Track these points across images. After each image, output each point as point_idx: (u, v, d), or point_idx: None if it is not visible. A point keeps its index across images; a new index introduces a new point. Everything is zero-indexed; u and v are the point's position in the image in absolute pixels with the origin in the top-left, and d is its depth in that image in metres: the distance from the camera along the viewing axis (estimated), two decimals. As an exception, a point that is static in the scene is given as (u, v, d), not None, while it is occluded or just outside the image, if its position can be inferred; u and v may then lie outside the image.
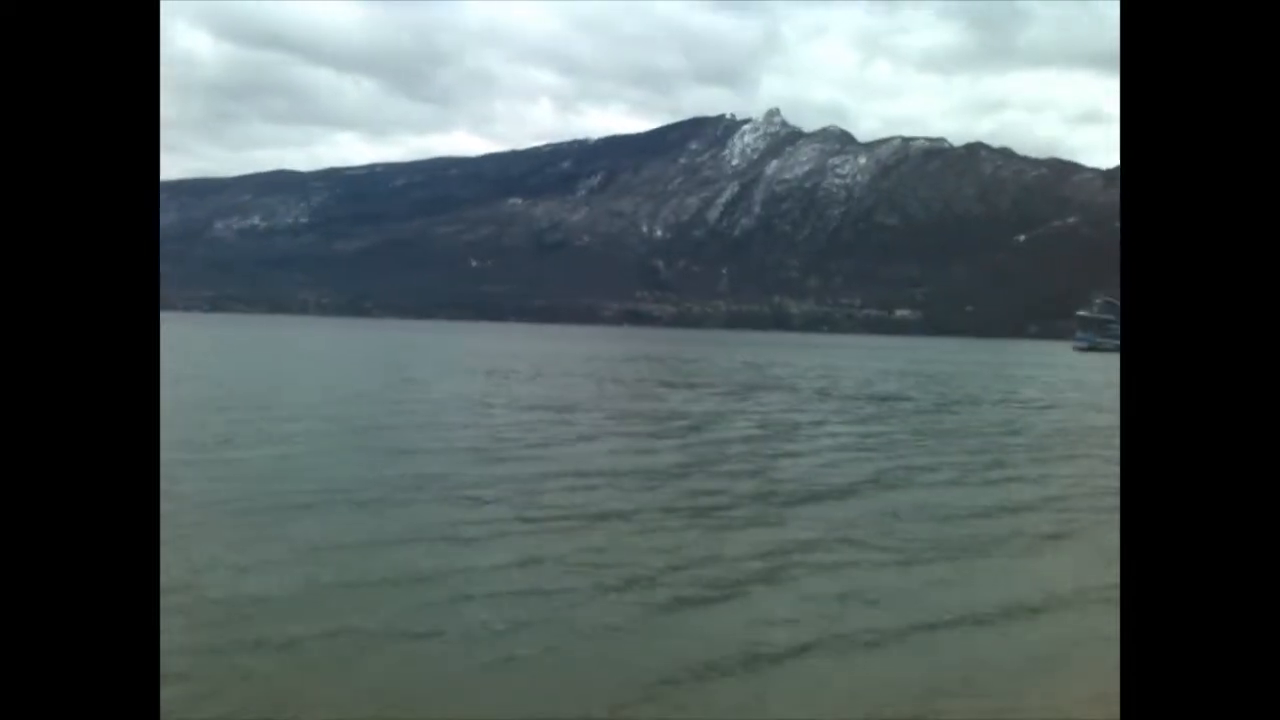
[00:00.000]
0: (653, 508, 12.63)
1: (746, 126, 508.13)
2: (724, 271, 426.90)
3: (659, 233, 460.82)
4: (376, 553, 9.96)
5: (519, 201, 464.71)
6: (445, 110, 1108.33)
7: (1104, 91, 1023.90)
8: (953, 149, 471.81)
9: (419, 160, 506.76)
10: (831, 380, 43.81)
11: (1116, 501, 10.47)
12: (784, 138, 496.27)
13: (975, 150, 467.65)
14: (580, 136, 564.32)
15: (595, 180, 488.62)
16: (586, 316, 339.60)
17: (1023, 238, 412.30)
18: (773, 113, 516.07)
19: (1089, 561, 10.38)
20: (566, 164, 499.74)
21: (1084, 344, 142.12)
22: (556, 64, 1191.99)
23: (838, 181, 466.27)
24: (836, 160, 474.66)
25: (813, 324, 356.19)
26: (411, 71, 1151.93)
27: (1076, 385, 45.69)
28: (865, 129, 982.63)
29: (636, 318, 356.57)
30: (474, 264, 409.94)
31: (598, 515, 12.12)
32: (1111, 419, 25.45)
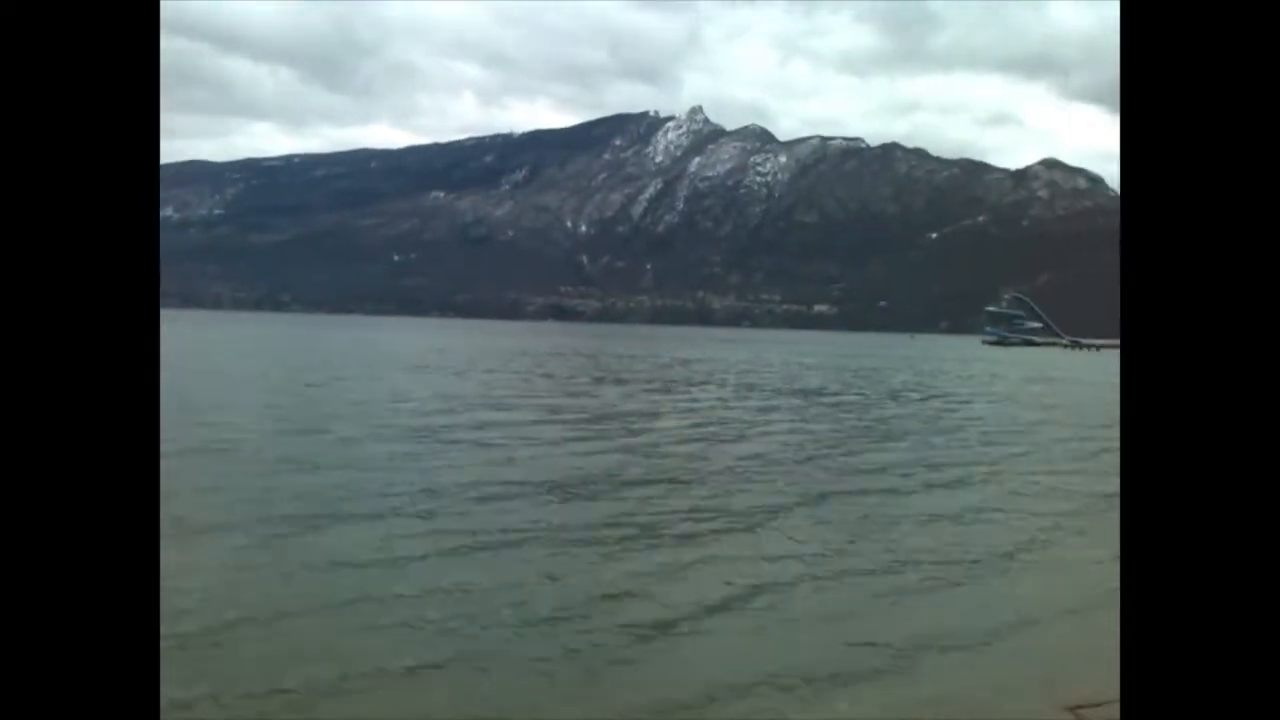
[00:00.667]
0: (592, 523, 10.53)
1: (670, 124, 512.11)
2: (648, 267, 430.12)
3: (584, 228, 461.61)
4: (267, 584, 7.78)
5: (442, 195, 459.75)
6: (366, 102, 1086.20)
7: (1012, 95, 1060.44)
8: (869, 149, 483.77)
9: (339, 152, 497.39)
10: (758, 374, 44.29)
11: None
12: (706, 135, 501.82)
13: (891, 150, 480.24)
14: (504, 130, 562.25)
15: (520, 174, 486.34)
16: (511, 312, 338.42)
17: (935, 235, 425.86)
18: (695, 110, 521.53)
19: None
20: (490, 158, 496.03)
21: (993, 338, 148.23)
22: (480, 57, 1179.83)
23: (759, 179, 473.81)
24: (757, 158, 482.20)
25: (734, 319, 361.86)
26: (331, 62, 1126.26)
27: (996, 378, 48.13)
28: (785, 128, 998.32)
29: (561, 313, 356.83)
30: (396, 258, 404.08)
31: (525, 533, 9.99)
32: (1037, 414, 27.07)
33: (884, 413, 26.61)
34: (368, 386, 30.26)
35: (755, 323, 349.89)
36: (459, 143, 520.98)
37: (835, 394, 33.10)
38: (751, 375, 42.06)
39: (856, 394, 33.24)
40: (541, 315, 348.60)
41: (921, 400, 31.71)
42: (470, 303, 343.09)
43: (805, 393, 32.98)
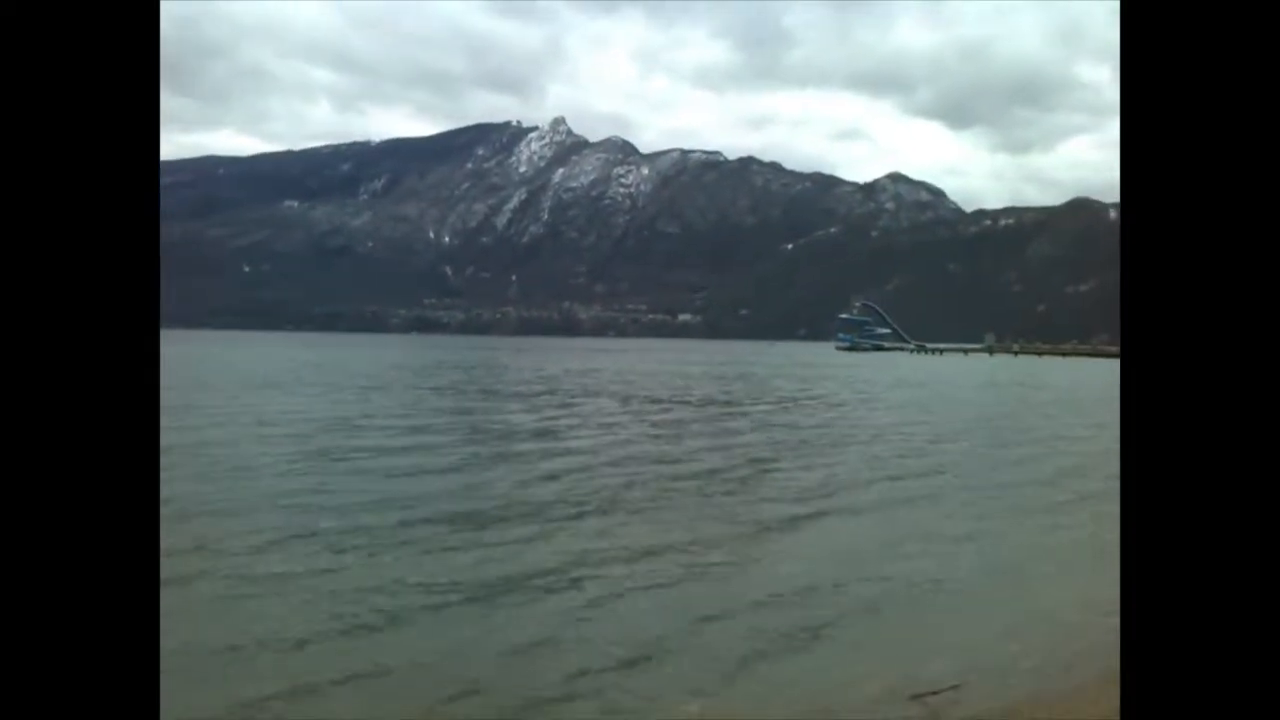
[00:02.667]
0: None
1: (533, 134, 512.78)
2: (513, 278, 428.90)
3: (446, 239, 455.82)
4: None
5: (296, 204, 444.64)
6: (213, 106, 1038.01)
7: (860, 111, 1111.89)
8: (727, 162, 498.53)
9: (185, 159, 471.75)
10: (647, 383, 42.64)
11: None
12: (570, 146, 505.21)
13: (747, 164, 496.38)
14: (362, 138, 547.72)
15: (379, 184, 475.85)
16: (372, 324, 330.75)
17: (791, 246, 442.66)
18: (558, 121, 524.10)
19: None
20: (347, 166, 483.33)
21: (845, 344, 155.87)
22: (336, 62, 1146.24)
23: (622, 190, 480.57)
24: (620, 170, 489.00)
25: (601, 329, 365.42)
26: (175, 64, 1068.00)
27: (859, 381, 51.14)
28: (646, 140, 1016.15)
29: (426, 325, 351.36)
30: (247, 269, 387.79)
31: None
32: (892, 416, 28.53)
33: (793, 418, 26.70)
34: (234, 406, 25.59)
35: (621, 332, 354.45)
36: (314, 150, 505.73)
37: (743, 403, 32.52)
38: (640, 385, 41.37)
39: (769, 402, 33.24)
40: (405, 328, 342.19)
41: (832, 407, 31.53)
42: (329, 316, 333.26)
43: (710, 402, 32.50)
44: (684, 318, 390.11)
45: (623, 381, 43.44)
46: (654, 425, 23.23)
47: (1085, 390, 43.13)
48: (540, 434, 20.50)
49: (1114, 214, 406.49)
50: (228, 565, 8.07)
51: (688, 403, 31.72)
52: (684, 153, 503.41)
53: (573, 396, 32.88)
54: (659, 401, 31.47)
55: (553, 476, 13.97)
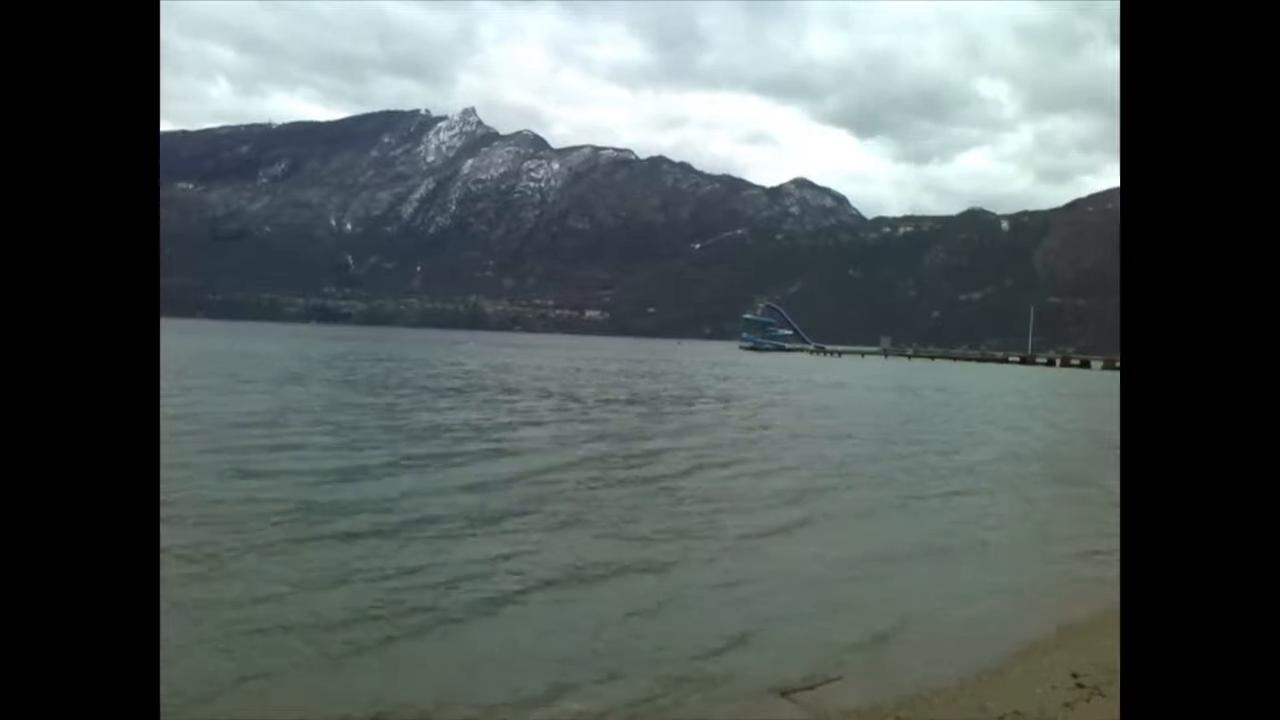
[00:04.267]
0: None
1: (443, 124, 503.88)
2: (418, 269, 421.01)
3: (349, 227, 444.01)
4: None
5: (190, 186, 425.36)
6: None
7: (769, 116, 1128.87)
8: (638, 160, 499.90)
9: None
10: (566, 380, 39.72)
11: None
12: (480, 138, 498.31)
13: (658, 163, 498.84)
14: (262, 120, 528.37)
15: (279, 168, 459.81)
16: (269, 313, 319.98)
17: (699, 246, 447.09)
18: (469, 112, 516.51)
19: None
20: (246, 149, 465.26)
21: (748, 343, 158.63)
22: (236, 40, 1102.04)
23: (532, 185, 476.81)
24: (531, 164, 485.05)
25: (507, 323, 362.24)
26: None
27: (764, 379, 52.20)
28: (558, 135, 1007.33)
29: (325, 314, 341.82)
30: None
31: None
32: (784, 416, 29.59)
33: (728, 414, 27.15)
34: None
35: (528, 327, 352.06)
36: (210, 131, 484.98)
37: (688, 400, 32.52)
38: (557, 381, 40.08)
39: (710, 400, 33.17)
40: (304, 317, 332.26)
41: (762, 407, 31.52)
42: (223, 303, 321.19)
43: (641, 399, 32.05)
44: (591, 314, 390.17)
45: (547, 378, 42.96)
46: (597, 422, 23.03)
47: (994, 391, 45.40)
48: (481, 432, 19.48)
49: (1005, 226, 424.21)
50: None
51: (623, 400, 31.37)
52: (596, 149, 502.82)
53: (503, 392, 32.01)
54: (601, 400, 30.66)
55: (506, 481, 12.97)
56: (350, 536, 9.20)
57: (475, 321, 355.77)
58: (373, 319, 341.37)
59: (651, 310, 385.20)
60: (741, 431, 22.06)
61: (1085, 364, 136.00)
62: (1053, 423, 29.35)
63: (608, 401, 30.06)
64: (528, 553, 8.66)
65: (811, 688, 5.44)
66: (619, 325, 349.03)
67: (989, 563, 9.29)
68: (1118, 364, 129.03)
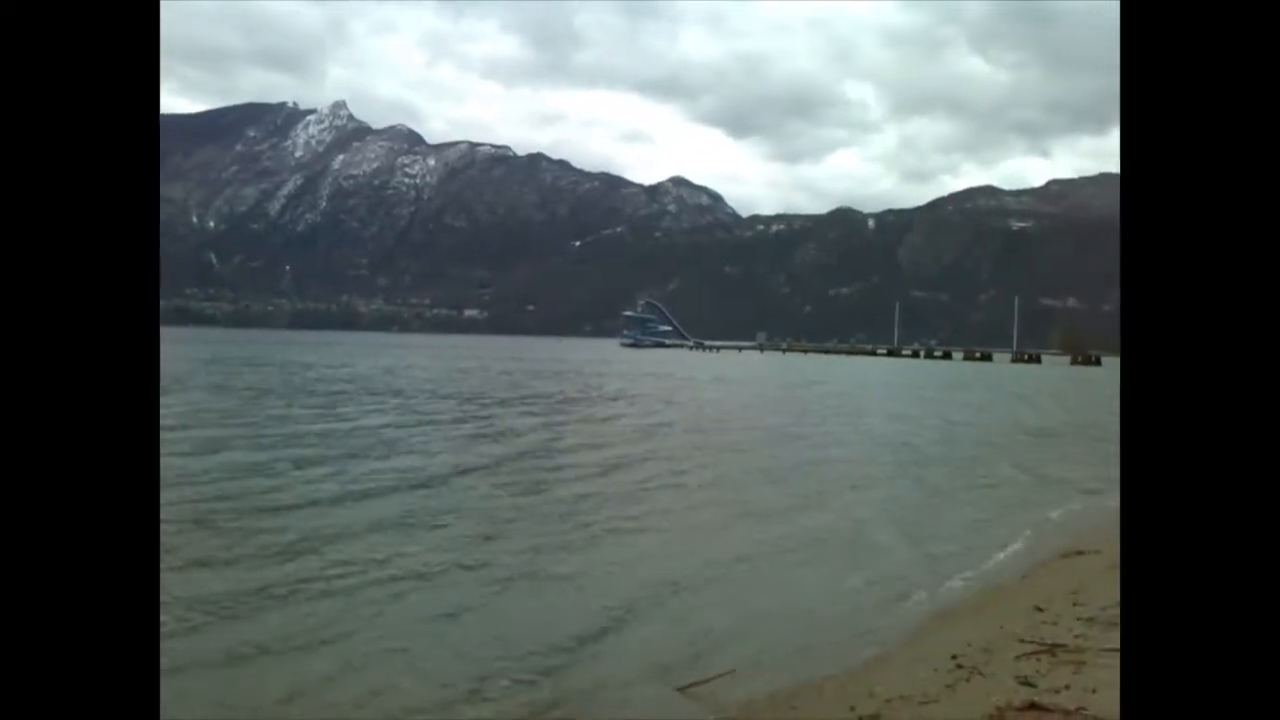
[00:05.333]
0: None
1: (311, 117, 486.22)
2: (287, 268, 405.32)
3: (212, 224, 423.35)
4: None
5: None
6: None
7: (647, 114, 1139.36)
8: (516, 157, 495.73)
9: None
10: (463, 382, 40.08)
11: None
12: (351, 132, 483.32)
13: (537, 160, 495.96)
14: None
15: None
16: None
17: (578, 244, 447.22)
18: (339, 105, 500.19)
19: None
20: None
21: (629, 340, 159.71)
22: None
23: (407, 181, 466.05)
24: (406, 160, 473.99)
25: (383, 323, 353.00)
26: None
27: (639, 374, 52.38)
28: (433, 130, 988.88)
29: (187, 317, 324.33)
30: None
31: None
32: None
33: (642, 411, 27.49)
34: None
35: (405, 327, 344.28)
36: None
37: (589, 399, 32.23)
38: (453, 384, 39.26)
39: (608, 398, 33.17)
40: (165, 320, 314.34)
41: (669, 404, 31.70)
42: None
43: (545, 399, 31.84)
44: (470, 313, 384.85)
45: (440, 379, 41.96)
46: (501, 423, 22.59)
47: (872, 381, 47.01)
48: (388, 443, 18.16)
49: (872, 224, 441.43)
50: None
51: (535, 399, 30.95)
52: (472, 145, 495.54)
53: (402, 397, 30.55)
54: (502, 401, 30.05)
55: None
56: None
57: (349, 322, 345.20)
58: (239, 321, 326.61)
59: (531, 309, 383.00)
60: (644, 430, 22.17)
61: (947, 355, 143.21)
62: (936, 413, 30.66)
63: (505, 401, 29.67)
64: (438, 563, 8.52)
65: (706, 681, 5.53)
66: (499, 324, 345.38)
67: (869, 551, 9.63)
68: (978, 355, 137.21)
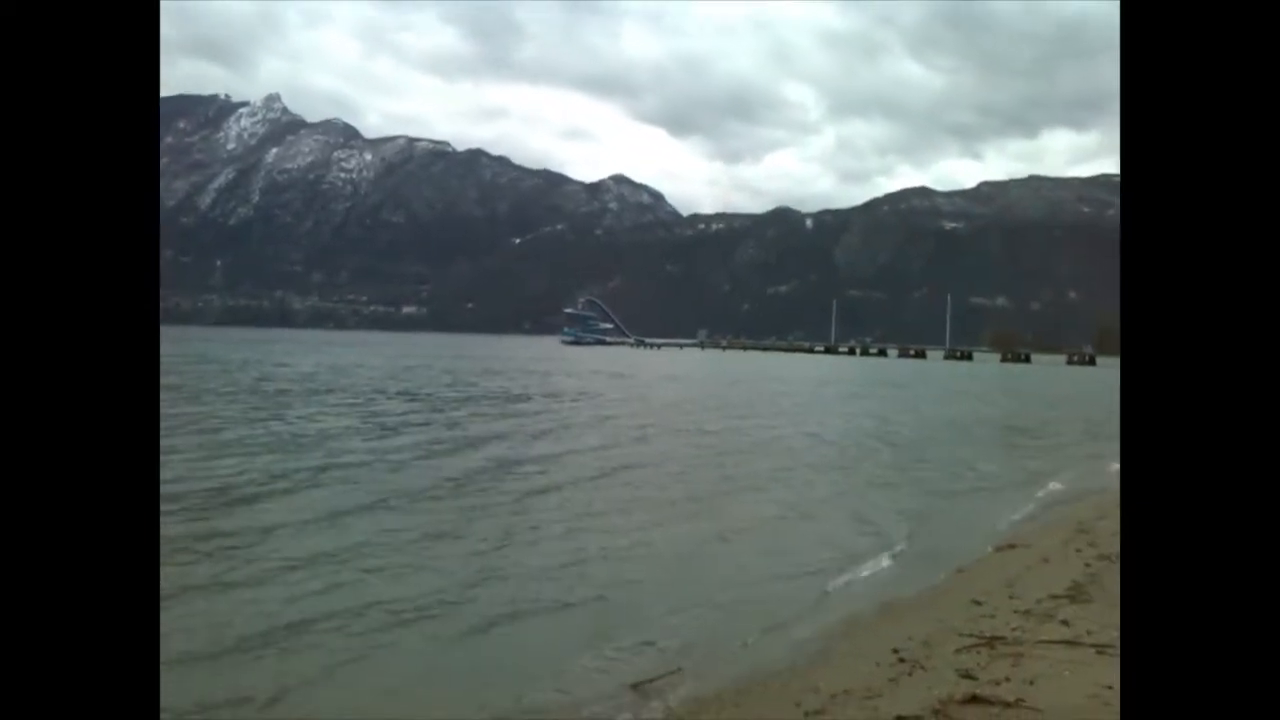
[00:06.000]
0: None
1: (244, 110, 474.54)
2: (218, 264, 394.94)
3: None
4: None
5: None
6: None
7: (589, 112, 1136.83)
8: (456, 152, 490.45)
9: None
10: (418, 380, 39.20)
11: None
12: (285, 125, 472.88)
13: (476, 156, 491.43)
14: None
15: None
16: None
17: (519, 241, 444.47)
18: (273, 98, 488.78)
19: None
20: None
21: (570, 338, 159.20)
22: None
23: (343, 176, 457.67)
24: (342, 154, 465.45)
25: (318, 320, 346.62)
26: None
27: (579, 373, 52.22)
28: (370, 124, 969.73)
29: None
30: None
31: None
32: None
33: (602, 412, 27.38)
34: None
35: (341, 324, 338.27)
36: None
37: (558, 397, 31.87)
38: (397, 381, 38.19)
39: (570, 398, 32.54)
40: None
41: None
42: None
43: (507, 398, 31.02)
44: (408, 310, 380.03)
45: (389, 378, 40.76)
46: (459, 424, 21.57)
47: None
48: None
49: (810, 224, 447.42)
50: None
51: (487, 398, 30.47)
52: (410, 140, 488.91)
53: (359, 396, 29.41)
54: (456, 400, 28.93)
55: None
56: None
57: (283, 319, 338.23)
58: (168, 318, 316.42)
59: (471, 306, 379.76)
60: (593, 427, 22.08)
61: (883, 352, 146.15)
62: (870, 410, 31.12)
63: (459, 401, 29.20)
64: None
65: (655, 680, 5.52)
66: (438, 321, 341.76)
67: (811, 543, 9.72)
68: (912, 352, 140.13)
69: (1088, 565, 7.46)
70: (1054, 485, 14.01)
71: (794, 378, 54.43)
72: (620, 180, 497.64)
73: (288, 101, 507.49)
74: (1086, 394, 44.69)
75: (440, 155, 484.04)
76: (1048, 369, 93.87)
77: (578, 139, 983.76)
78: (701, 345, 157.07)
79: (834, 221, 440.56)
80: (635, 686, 5.42)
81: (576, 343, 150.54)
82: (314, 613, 6.65)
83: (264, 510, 10.28)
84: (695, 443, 18.95)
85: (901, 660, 5.47)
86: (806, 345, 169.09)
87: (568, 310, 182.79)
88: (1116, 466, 17.11)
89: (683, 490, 12.71)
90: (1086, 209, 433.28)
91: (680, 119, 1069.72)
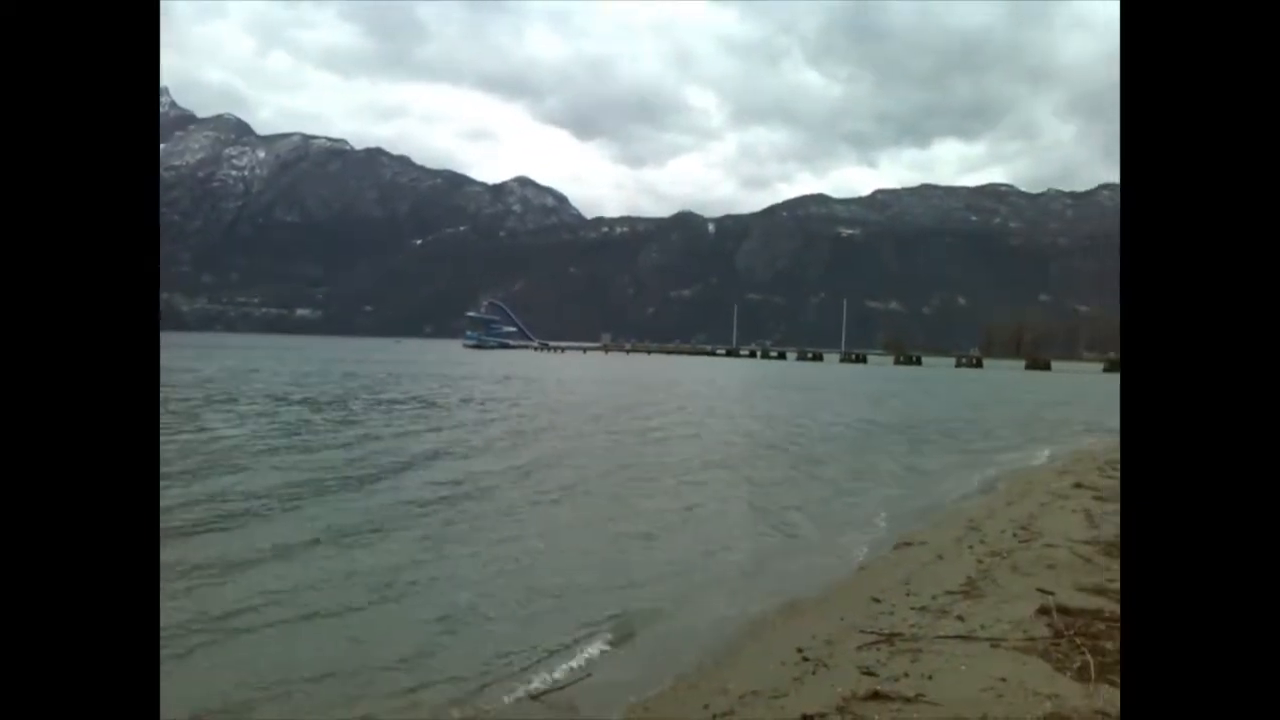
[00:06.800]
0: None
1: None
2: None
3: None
4: None
5: None
6: None
7: (492, 112, 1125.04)
8: (354, 151, 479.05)
9: None
10: (311, 386, 35.65)
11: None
12: (174, 120, 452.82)
13: (376, 155, 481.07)
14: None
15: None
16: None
17: (420, 242, 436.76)
18: (160, 91, 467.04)
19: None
20: None
21: (473, 341, 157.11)
22: None
23: (234, 173, 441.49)
24: (233, 151, 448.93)
25: (207, 323, 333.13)
26: None
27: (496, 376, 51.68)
28: (263, 120, 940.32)
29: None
30: None
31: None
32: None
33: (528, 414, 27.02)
34: None
35: (230, 327, 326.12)
36: None
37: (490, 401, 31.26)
38: (301, 388, 35.69)
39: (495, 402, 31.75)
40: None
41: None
42: None
43: (419, 400, 30.21)
44: (302, 312, 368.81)
45: (292, 385, 38.91)
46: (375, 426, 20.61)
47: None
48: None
49: (712, 228, 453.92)
50: None
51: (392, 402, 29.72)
52: (306, 137, 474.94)
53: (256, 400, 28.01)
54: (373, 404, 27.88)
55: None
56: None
57: (169, 321, 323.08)
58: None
59: (369, 308, 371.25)
60: (483, 428, 21.76)
61: (782, 355, 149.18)
62: (770, 413, 31.62)
63: (372, 405, 28.29)
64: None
65: (562, 688, 5.47)
66: (334, 324, 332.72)
67: (718, 542, 9.81)
68: (810, 355, 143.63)
69: (980, 561, 7.74)
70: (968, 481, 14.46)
71: (697, 379, 55.01)
72: (524, 182, 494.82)
73: (176, 96, 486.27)
74: (981, 397, 46.47)
75: (337, 153, 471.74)
76: (940, 370, 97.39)
77: (481, 139, 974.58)
78: (605, 348, 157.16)
79: (735, 226, 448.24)
80: (538, 697, 5.36)
81: (480, 346, 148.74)
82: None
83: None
84: (625, 443, 18.93)
85: (806, 659, 5.55)
86: (709, 348, 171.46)
87: (470, 313, 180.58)
88: (1012, 457, 17.92)
89: (604, 488, 12.70)
90: (974, 217, 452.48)
91: (585, 122, 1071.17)
